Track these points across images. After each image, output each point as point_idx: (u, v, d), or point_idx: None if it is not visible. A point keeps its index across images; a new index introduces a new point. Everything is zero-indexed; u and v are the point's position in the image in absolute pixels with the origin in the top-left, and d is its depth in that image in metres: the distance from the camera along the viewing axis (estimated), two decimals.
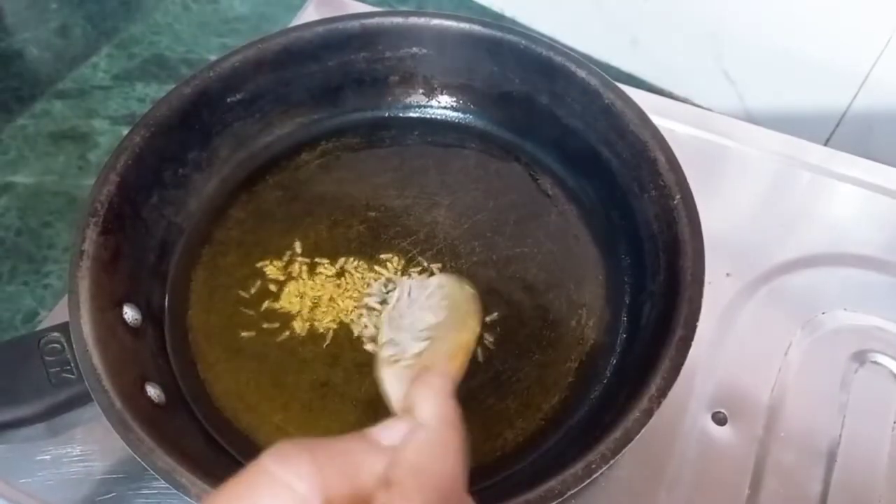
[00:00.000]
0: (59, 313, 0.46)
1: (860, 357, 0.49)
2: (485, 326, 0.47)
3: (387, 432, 0.24)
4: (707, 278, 0.42)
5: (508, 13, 0.87)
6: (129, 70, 0.83)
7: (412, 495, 0.22)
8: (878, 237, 0.54)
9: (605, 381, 0.45)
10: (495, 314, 0.48)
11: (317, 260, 0.49)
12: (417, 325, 0.37)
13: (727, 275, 0.52)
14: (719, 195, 0.56)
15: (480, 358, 0.46)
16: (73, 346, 0.39)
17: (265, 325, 0.47)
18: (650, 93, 0.59)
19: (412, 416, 0.26)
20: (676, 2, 0.77)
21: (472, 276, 0.49)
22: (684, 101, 0.78)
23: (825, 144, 0.66)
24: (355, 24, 0.53)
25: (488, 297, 0.48)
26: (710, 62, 0.79)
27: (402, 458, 0.23)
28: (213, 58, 0.51)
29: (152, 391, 0.41)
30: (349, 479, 0.21)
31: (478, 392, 0.45)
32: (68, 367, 0.40)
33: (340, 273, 0.49)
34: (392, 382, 0.33)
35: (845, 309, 0.51)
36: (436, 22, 0.53)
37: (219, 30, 0.86)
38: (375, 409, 0.44)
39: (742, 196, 0.57)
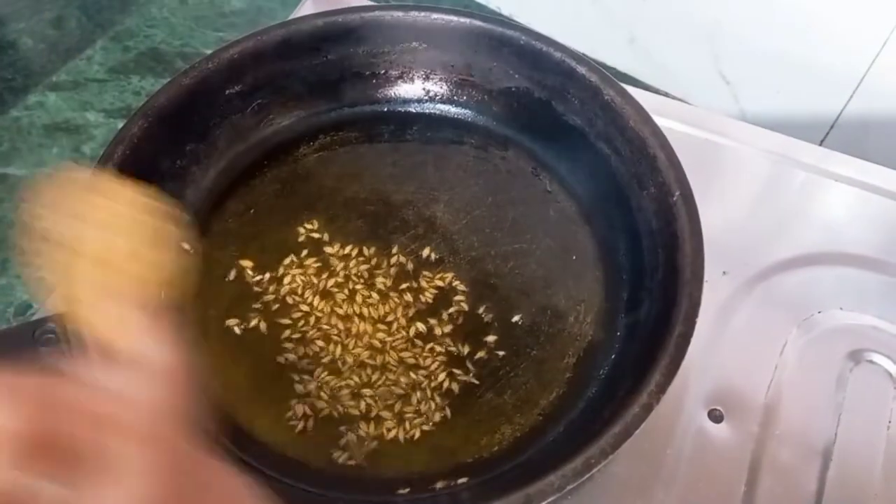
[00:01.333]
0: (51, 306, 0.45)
1: (856, 356, 0.49)
2: (483, 323, 0.47)
3: (109, 376, 0.22)
4: (704, 276, 0.42)
5: (506, 11, 0.87)
6: (124, 63, 0.82)
7: (128, 428, 0.20)
8: (873, 237, 0.54)
9: (603, 377, 0.45)
10: (493, 311, 0.48)
11: (313, 253, 0.49)
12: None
13: (724, 273, 0.52)
14: (716, 194, 0.56)
15: (465, 352, 0.46)
16: (69, 336, 0.38)
17: (262, 318, 0.46)
18: (647, 91, 0.59)
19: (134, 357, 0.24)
20: (674, 3, 0.77)
21: (470, 271, 0.49)
22: (680, 101, 0.78)
23: (820, 146, 0.66)
24: (355, 17, 0.52)
25: (487, 292, 0.48)
26: (706, 63, 0.80)
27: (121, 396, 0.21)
28: (209, 52, 0.51)
29: None
30: (53, 413, 0.19)
31: (476, 387, 0.45)
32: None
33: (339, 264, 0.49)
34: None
35: (841, 308, 0.51)
36: (436, 17, 0.53)
37: (215, 23, 0.86)
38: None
39: (738, 195, 0.57)
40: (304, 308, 0.47)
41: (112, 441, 0.20)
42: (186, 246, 0.32)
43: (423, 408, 0.44)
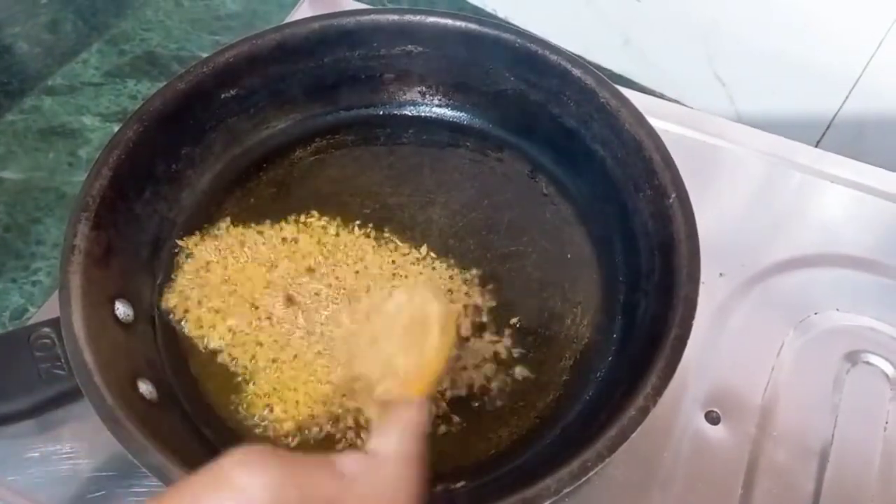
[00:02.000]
0: (47, 310, 0.45)
1: (852, 357, 0.49)
2: (479, 325, 0.47)
3: (347, 460, 0.25)
4: (700, 278, 0.42)
5: (501, 13, 0.87)
6: (119, 67, 0.82)
7: None
8: (869, 238, 0.54)
9: (600, 380, 0.45)
10: (490, 313, 0.47)
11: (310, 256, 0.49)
12: (379, 351, 0.36)
13: (720, 275, 0.52)
14: (711, 196, 0.56)
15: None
16: (64, 341, 0.38)
17: (256, 321, 0.46)
18: (642, 93, 0.59)
19: (374, 447, 0.27)
20: (668, 3, 0.77)
21: (466, 273, 0.49)
22: (676, 102, 0.78)
23: (816, 147, 0.66)
24: (351, 20, 0.52)
25: (483, 294, 0.48)
26: (701, 64, 0.80)
27: (354, 486, 0.24)
28: (205, 55, 0.50)
29: (144, 388, 0.41)
30: (303, 496, 0.22)
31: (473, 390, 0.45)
32: (59, 363, 0.40)
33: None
34: (371, 409, 0.33)
35: (838, 309, 0.51)
36: (431, 20, 0.53)
37: (211, 27, 0.85)
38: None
39: (734, 197, 0.57)
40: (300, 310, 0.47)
41: None
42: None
43: None
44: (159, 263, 0.48)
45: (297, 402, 0.43)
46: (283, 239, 0.50)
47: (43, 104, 0.78)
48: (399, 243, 0.50)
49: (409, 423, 0.28)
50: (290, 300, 0.47)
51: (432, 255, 0.50)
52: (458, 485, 0.41)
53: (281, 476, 0.21)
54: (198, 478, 0.21)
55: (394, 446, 0.27)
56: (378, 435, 0.28)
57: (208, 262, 0.48)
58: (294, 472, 0.22)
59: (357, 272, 0.48)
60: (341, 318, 0.46)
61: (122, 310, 0.43)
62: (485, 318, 0.47)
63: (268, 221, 0.51)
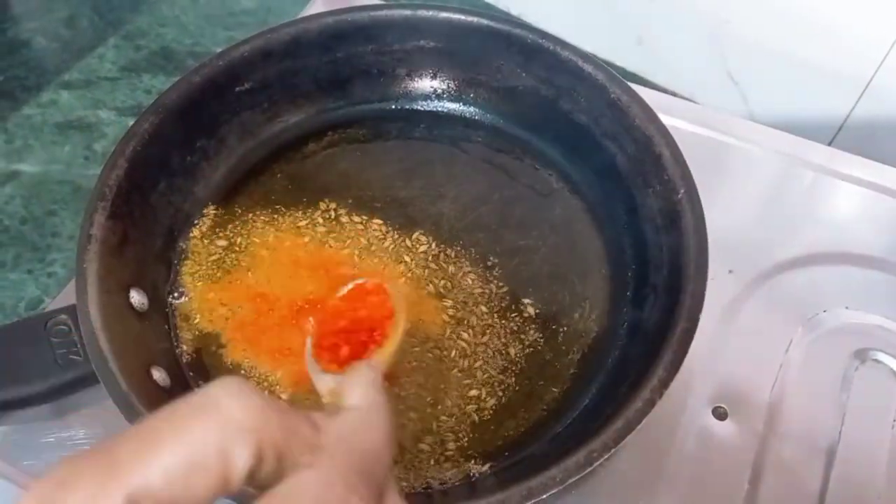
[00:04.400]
0: (62, 301, 0.46)
1: (861, 355, 0.49)
2: (488, 319, 0.47)
3: (318, 415, 0.25)
4: (709, 275, 0.42)
5: (515, 11, 0.87)
6: (135, 61, 0.83)
7: (336, 461, 0.23)
8: (880, 237, 0.54)
9: (607, 373, 0.45)
10: (499, 307, 0.48)
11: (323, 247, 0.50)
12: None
13: (729, 272, 0.52)
14: (722, 193, 0.56)
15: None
16: (81, 327, 0.39)
17: (269, 313, 0.47)
18: (654, 90, 0.60)
19: (342, 404, 0.27)
20: (683, 3, 0.77)
21: (475, 267, 0.49)
22: (688, 101, 0.78)
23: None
24: (364, 15, 0.53)
25: (492, 288, 0.49)
26: (714, 63, 0.80)
27: (331, 430, 0.24)
28: (219, 50, 0.51)
29: (157, 375, 0.41)
30: (284, 434, 0.22)
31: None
32: (75, 349, 0.41)
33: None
34: (320, 378, 0.34)
35: (847, 307, 0.51)
36: (444, 15, 0.53)
37: (226, 22, 0.86)
38: None
39: (745, 194, 0.57)
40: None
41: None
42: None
43: None
44: (173, 254, 0.49)
45: (308, 390, 0.43)
46: (297, 229, 0.50)
47: (60, 98, 0.79)
48: (408, 236, 0.50)
49: (368, 378, 0.28)
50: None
51: (440, 247, 0.50)
52: (473, 471, 0.41)
53: (268, 410, 0.21)
54: (186, 402, 0.21)
55: (362, 395, 0.27)
56: (338, 396, 0.28)
57: (221, 253, 0.49)
58: (279, 411, 0.22)
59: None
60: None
61: (136, 298, 0.44)
62: (494, 312, 0.48)
63: (280, 213, 0.51)
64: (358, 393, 0.27)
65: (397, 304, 0.38)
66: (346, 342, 0.36)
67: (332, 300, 0.39)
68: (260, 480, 0.21)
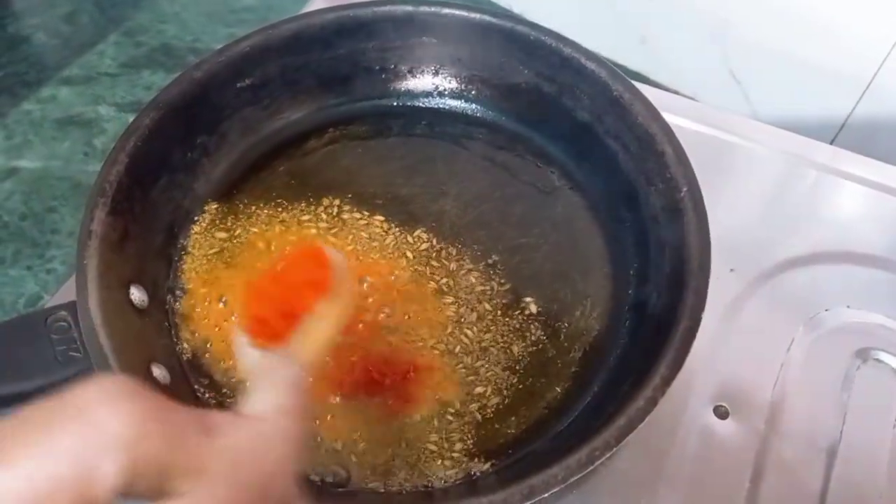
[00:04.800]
0: (62, 297, 0.46)
1: (862, 354, 0.49)
2: (490, 316, 0.47)
3: (217, 416, 0.22)
4: (711, 273, 0.42)
5: (517, 8, 0.87)
6: (136, 58, 0.82)
7: (217, 491, 0.20)
8: (882, 236, 0.54)
9: (608, 371, 0.45)
10: (500, 304, 0.48)
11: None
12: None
13: (731, 270, 0.52)
14: (725, 192, 0.56)
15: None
16: (80, 324, 0.39)
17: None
18: (656, 89, 0.60)
19: (248, 407, 0.25)
20: (685, 2, 0.77)
21: (477, 265, 0.49)
22: (691, 100, 0.78)
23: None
24: (366, 11, 0.53)
25: (494, 286, 0.48)
26: (717, 62, 0.80)
27: (223, 448, 0.21)
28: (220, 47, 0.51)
29: (157, 371, 0.41)
30: (168, 446, 0.19)
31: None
32: (74, 346, 0.40)
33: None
34: (244, 354, 0.30)
35: (848, 306, 0.51)
36: (446, 12, 0.53)
37: (226, 19, 0.86)
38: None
39: (747, 193, 0.57)
40: None
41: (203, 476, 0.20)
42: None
43: None
44: (174, 250, 0.49)
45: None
46: (299, 225, 0.50)
47: (60, 94, 0.79)
48: (410, 234, 0.50)
49: (287, 378, 0.26)
50: None
51: (442, 245, 0.50)
52: (475, 470, 0.41)
53: (145, 419, 0.19)
54: (50, 406, 0.19)
55: (266, 404, 0.24)
56: (252, 394, 0.25)
57: (222, 250, 0.49)
58: (160, 417, 0.19)
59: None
60: None
61: (136, 295, 0.43)
62: (496, 310, 0.47)
63: (282, 210, 0.51)
64: (267, 398, 0.24)
65: (338, 277, 0.32)
66: (279, 315, 0.31)
67: (271, 269, 0.34)
68: (138, 494, 0.19)
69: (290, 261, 0.34)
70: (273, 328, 0.30)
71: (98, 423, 0.18)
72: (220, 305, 0.47)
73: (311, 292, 0.32)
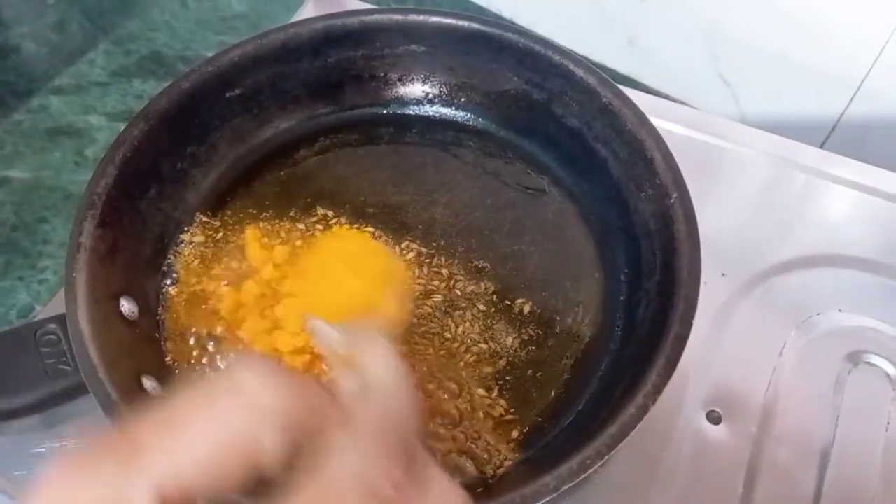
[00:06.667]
0: (53, 308, 0.46)
1: (854, 358, 0.49)
2: (485, 323, 0.47)
3: (344, 384, 0.24)
4: (702, 278, 0.42)
5: (507, 14, 0.87)
6: (126, 67, 0.82)
7: (371, 438, 0.22)
8: (872, 239, 0.54)
9: (600, 379, 0.45)
10: (493, 311, 0.48)
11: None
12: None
13: (722, 275, 0.52)
14: (715, 196, 0.56)
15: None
16: (70, 337, 0.39)
17: (261, 321, 0.47)
18: (646, 93, 0.60)
19: (361, 374, 0.25)
20: (673, 4, 0.78)
21: (468, 272, 0.49)
22: (681, 103, 0.78)
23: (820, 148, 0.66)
24: (355, 20, 0.53)
25: (485, 293, 0.48)
26: (706, 65, 0.80)
27: (360, 406, 0.23)
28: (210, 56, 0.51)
29: (148, 384, 0.41)
30: (313, 414, 0.21)
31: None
32: (64, 359, 0.40)
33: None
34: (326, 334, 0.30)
35: (840, 310, 0.51)
36: (435, 20, 0.53)
37: (217, 27, 0.86)
38: None
39: (737, 197, 0.57)
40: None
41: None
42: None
43: None
44: (164, 261, 0.48)
45: None
46: (289, 234, 0.50)
47: (50, 104, 0.79)
48: (400, 242, 0.50)
49: (386, 348, 0.26)
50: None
51: (432, 252, 0.50)
52: (458, 481, 0.41)
53: (295, 391, 0.20)
54: (211, 384, 0.20)
55: (381, 370, 0.25)
56: (356, 374, 0.26)
57: (213, 260, 0.49)
58: (306, 390, 0.21)
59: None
60: None
61: (126, 307, 0.43)
62: (487, 317, 0.47)
63: (272, 219, 0.51)
64: (379, 363, 0.25)
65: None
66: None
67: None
68: (290, 464, 0.20)
69: None
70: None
71: (256, 396, 0.20)
72: (213, 316, 0.46)
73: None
